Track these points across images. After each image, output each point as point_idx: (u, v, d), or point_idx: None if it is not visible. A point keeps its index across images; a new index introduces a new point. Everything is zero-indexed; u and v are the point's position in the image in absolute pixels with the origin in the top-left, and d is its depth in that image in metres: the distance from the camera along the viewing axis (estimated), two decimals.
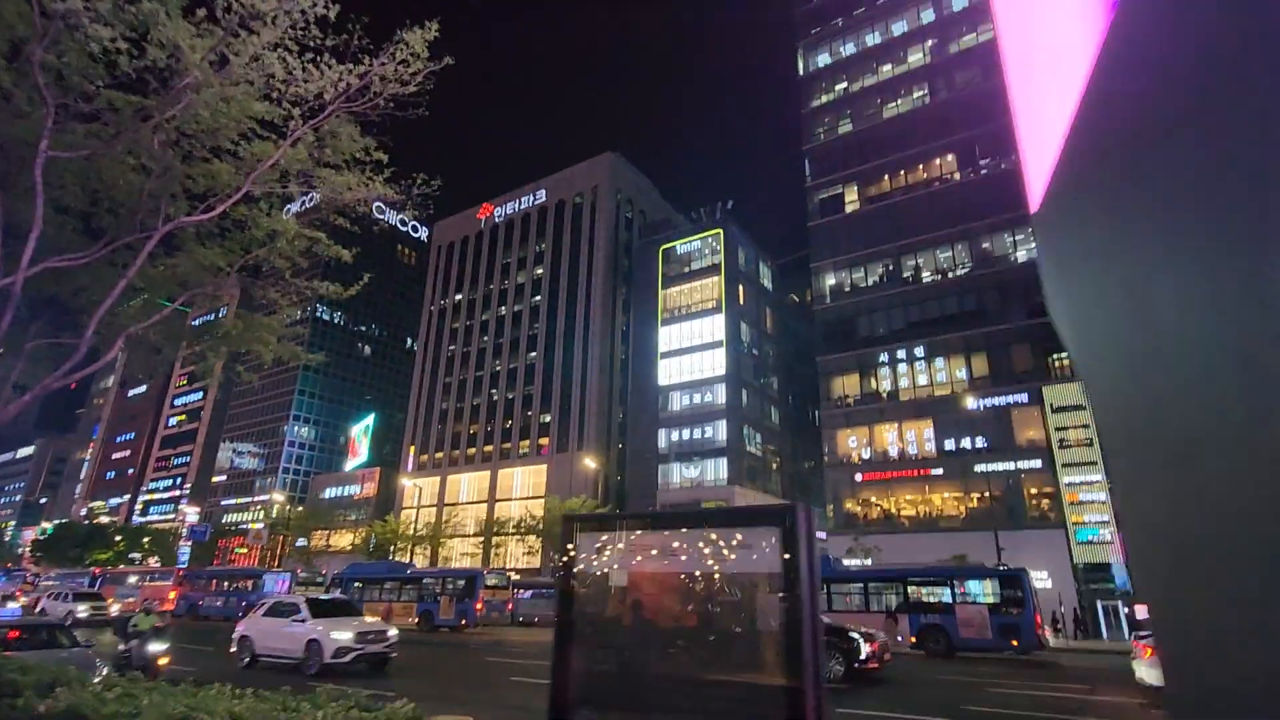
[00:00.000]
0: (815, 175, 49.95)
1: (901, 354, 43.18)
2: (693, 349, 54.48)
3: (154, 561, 69.62)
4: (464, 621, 29.85)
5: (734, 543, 2.31)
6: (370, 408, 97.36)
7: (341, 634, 14.87)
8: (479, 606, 30.09)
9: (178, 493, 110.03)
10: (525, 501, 59.86)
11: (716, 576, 2.37)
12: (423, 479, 68.16)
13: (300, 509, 76.27)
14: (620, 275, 66.43)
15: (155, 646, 12.07)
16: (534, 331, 67.64)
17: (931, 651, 21.87)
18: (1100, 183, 1.84)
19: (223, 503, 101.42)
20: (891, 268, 45.24)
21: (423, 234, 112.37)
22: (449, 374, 73.29)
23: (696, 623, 2.42)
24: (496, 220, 76.15)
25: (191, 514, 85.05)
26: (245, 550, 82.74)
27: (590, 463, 54.77)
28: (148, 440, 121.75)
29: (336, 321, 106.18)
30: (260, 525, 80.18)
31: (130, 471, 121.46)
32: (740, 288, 56.00)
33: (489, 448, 66.88)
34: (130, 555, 73.51)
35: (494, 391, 68.49)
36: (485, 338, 71.69)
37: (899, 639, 21.82)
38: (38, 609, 29.67)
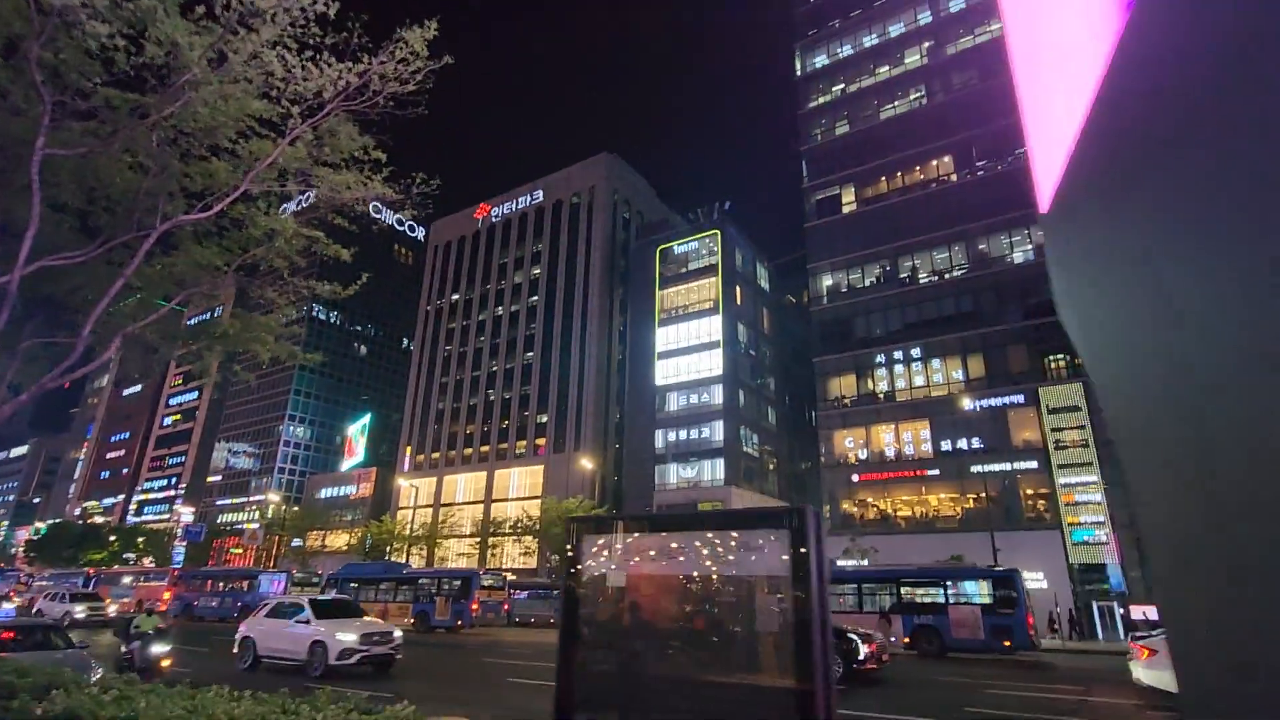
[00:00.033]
0: (812, 176, 50.01)
1: (898, 355, 43.25)
2: (689, 349, 54.49)
3: (148, 562, 69.33)
4: (460, 622, 29.78)
5: (742, 545, 2.30)
6: (366, 408, 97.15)
7: (346, 635, 14.70)
8: (475, 607, 30.01)
9: (172, 493, 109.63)
10: (522, 502, 59.81)
11: (725, 579, 2.36)
12: (419, 479, 68.02)
13: (296, 509, 76.07)
14: (617, 276, 66.42)
15: (158, 648, 11.94)
16: (531, 332, 67.59)
17: (924, 652, 21.91)
18: (1113, 183, 1.82)
19: (218, 503, 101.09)
20: (888, 269, 45.32)
21: (419, 234, 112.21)
22: (445, 374, 73.17)
23: (705, 625, 2.41)
24: (493, 220, 76.08)
25: (186, 514, 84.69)
26: (240, 551, 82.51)
27: (587, 463, 54.74)
28: (142, 440, 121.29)
29: (332, 321, 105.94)
30: (255, 525, 79.95)
31: (125, 471, 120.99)
32: (737, 288, 56.04)
33: (485, 448, 66.79)
34: (125, 555, 73.20)
35: (490, 392, 68.40)
36: (482, 338, 71.60)
37: (892, 639, 21.87)
38: (34, 610, 29.46)
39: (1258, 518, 1.12)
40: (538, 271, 69.70)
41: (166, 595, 36.99)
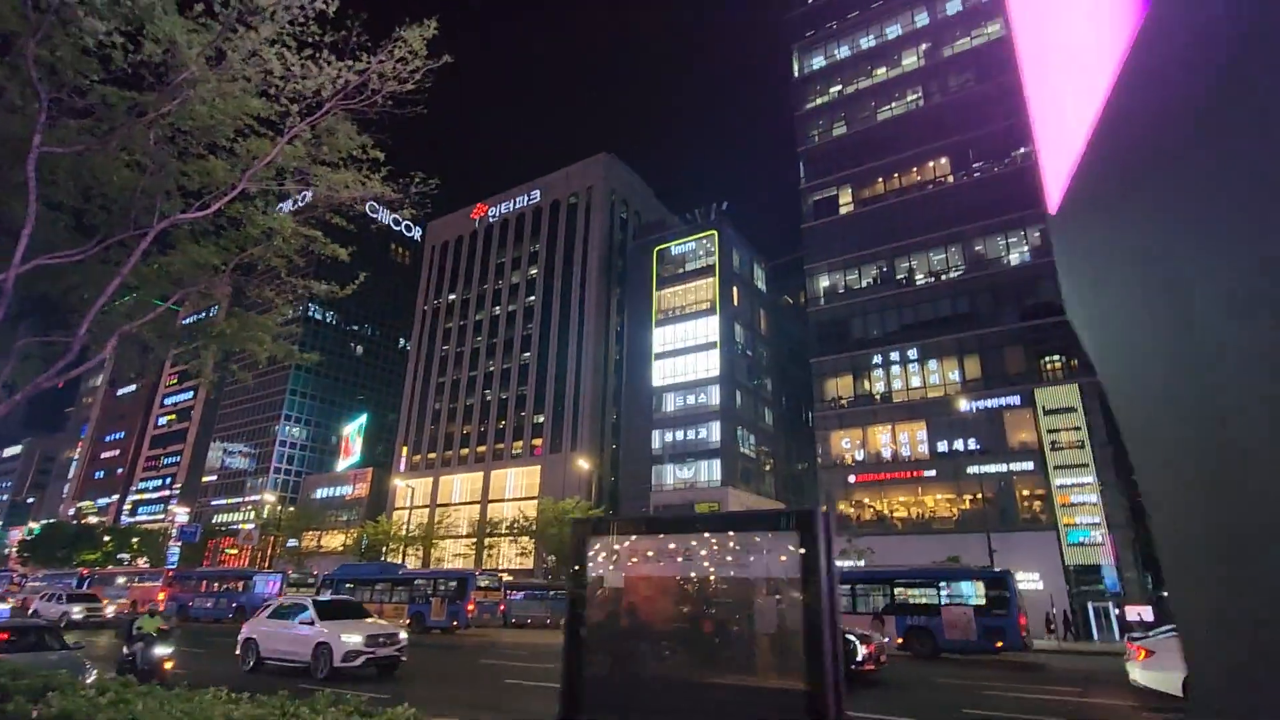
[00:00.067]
0: (810, 177, 50.09)
1: (895, 356, 43.33)
2: (686, 350, 54.49)
3: (143, 562, 69.05)
4: (455, 623, 29.72)
5: (751, 547, 2.28)
6: (363, 408, 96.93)
7: (351, 637, 14.48)
8: (471, 608, 29.95)
9: (167, 493, 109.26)
10: (518, 503, 59.72)
11: (733, 580, 2.34)
12: (415, 479, 67.88)
13: (291, 510, 75.83)
14: (614, 276, 66.40)
15: (161, 650, 11.72)
16: (528, 332, 67.51)
17: (917, 653, 21.96)
18: (1125, 184, 1.81)
19: (213, 503, 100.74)
20: (885, 270, 45.41)
21: (416, 233, 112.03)
22: (442, 374, 73.04)
23: (712, 627, 2.39)
24: (490, 220, 75.99)
25: (181, 514, 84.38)
26: (235, 551, 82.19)
27: (583, 464, 54.70)
28: (137, 440, 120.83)
29: (329, 321, 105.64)
30: (251, 526, 79.67)
31: (119, 471, 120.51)
32: (734, 289, 56.08)
33: (482, 448, 66.69)
34: (119, 556, 72.88)
35: (487, 392, 68.30)
36: (479, 338, 71.48)
37: (885, 640, 21.90)
38: (31, 611, 29.19)
39: (1267, 518, 1.11)
40: (535, 272, 69.64)
41: (161, 596, 36.80)
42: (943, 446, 40.40)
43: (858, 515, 42.38)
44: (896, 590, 23.65)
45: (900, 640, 22.44)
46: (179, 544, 71.92)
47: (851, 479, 42.94)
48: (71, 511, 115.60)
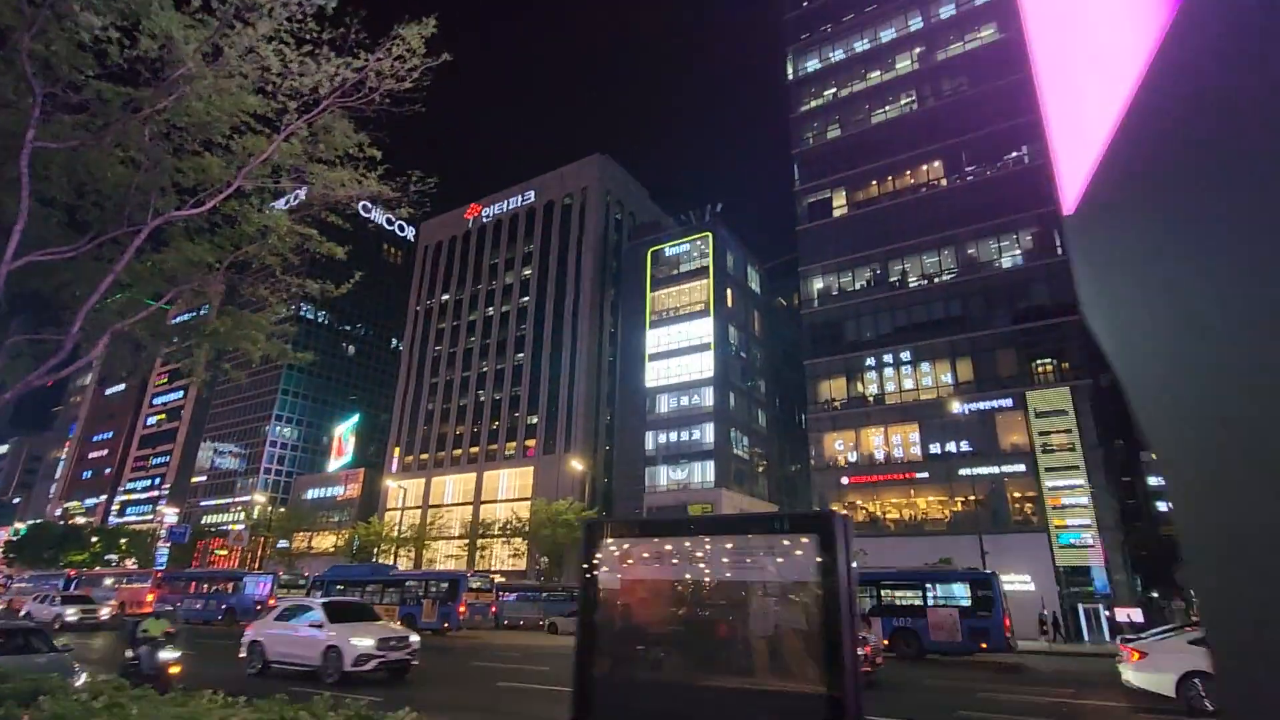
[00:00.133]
0: (804, 180, 50.22)
1: (888, 358, 43.48)
2: (680, 351, 54.51)
3: (131, 563, 68.42)
4: (446, 625, 29.57)
5: (765, 549, 2.26)
6: (355, 408, 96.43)
7: (362, 640, 14.11)
8: (462, 610, 29.82)
9: (156, 493, 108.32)
10: (511, 504, 59.55)
11: (747, 583, 2.31)
12: (407, 480, 67.58)
13: (282, 510, 75.33)
14: (608, 277, 66.36)
15: (167, 654, 11.27)
16: (521, 333, 67.36)
17: (903, 654, 22.03)
18: (1150, 185, 1.80)
19: (202, 504, 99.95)
20: (879, 272, 45.57)
21: (409, 233, 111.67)
22: (435, 375, 72.77)
23: (728, 630, 2.36)
24: (484, 220, 75.80)
25: (170, 515, 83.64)
26: (225, 552, 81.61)
27: (577, 465, 54.60)
28: (126, 439, 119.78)
29: (321, 321, 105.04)
30: (241, 527, 79.11)
31: (107, 471, 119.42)
32: (728, 291, 56.15)
33: (475, 449, 66.47)
34: (106, 557, 72.21)
35: (480, 393, 68.10)
36: (472, 338, 71.27)
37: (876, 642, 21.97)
38: (23, 612, 28.73)
39: None
40: (528, 272, 69.50)
41: (150, 597, 36.47)
42: (935, 448, 40.56)
43: (850, 517, 42.48)
44: (883, 592, 23.74)
45: (886, 642, 22.52)
46: (168, 545, 71.25)
47: (844, 481, 43.04)
48: (58, 512, 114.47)
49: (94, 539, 76.77)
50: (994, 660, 21.61)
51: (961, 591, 22.54)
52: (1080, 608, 34.49)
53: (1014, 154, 41.97)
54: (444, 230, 78.65)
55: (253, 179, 10.03)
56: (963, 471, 39.17)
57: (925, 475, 40.60)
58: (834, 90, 51.13)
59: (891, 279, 44.88)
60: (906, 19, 48.85)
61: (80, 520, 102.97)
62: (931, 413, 40.69)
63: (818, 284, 47.83)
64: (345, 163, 10.43)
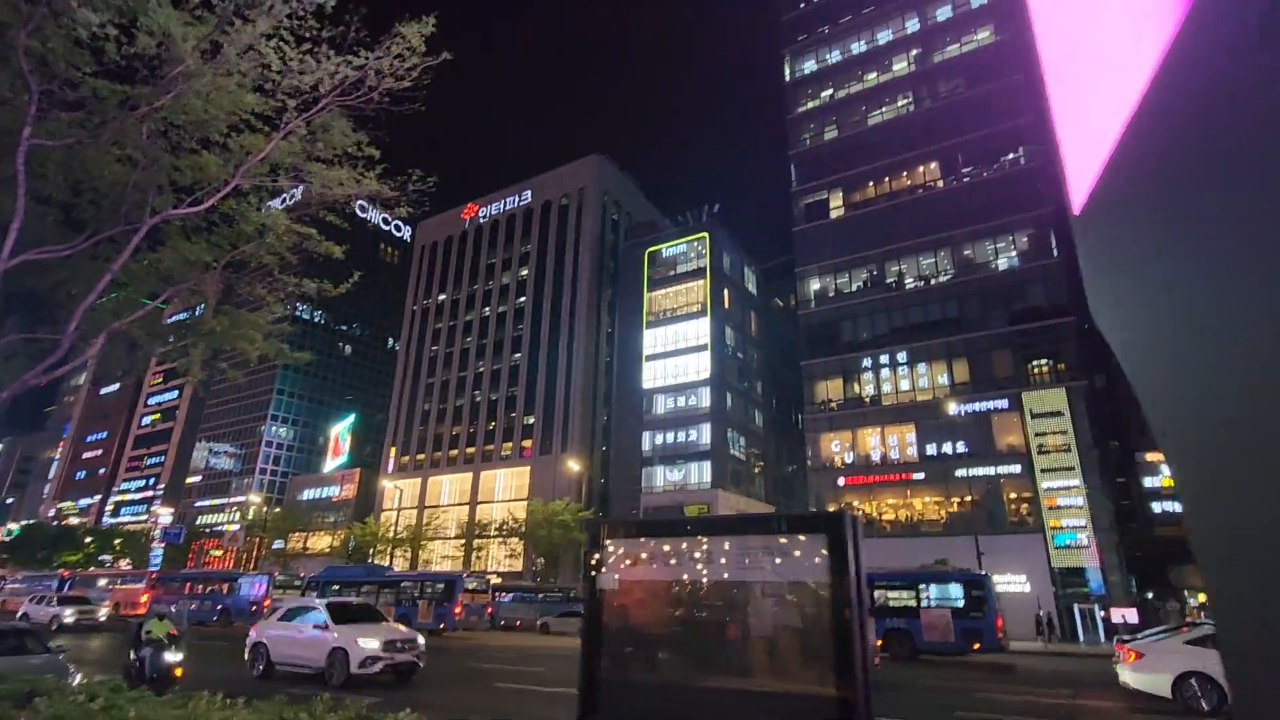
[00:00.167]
0: (801, 181, 50.27)
1: (884, 359, 43.55)
2: (677, 352, 54.51)
3: (125, 564, 68.10)
4: (442, 625, 29.49)
5: (775, 550, 2.24)
6: (351, 408, 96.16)
7: (369, 642, 13.85)
8: (458, 610, 29.73)
9: (151, 493, 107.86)
10: (507, 504, 59.47)
11: (756, 584, 2.30)
12: (403, 481, 67.42)
13: (278, 511, 75.08)
14: (605, 277, 66.33)
15: (171, 656, 11.06)
16: (518, 333, 67.27)
17: (895, 655, 22.07)
18: (1162, 184, 1.79)
19: (197, 504, 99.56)
20: (875, 273, 45.64)
21: (405, 233, 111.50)
22: (431, 375, 72.62)
23: (735, 631, 2.35)
24: (481, 220, 75.70)
25: (165, 515, 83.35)
26: (220, 553, 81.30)
27: (574, 465, 54.55)
28: (120, 439, 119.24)
29: (317, 320, 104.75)
30: (236, 527, 78.85)
31: (101, 471, 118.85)
32: (725, 291, 56.17)
33: (471, 449, 66.35)
34: (100, 557, 71.83)
35: (477, 393, 67.98)
36: (468, 338, 71.15)
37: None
38: (20, 613, 28.50)
39: None
40: (525, 273, 69.43)
41: (144, 598, 36.28)
42: (931, 449, 40.63)
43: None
44: (876, 593, 23.78)
45: (880, 642, 22.57)
46: (162, 545, 71.08)
47: (841, 481, 43.08)
48: (52, 512, 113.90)
49: (88, 539, 76.36)
50: (988, 661, 21.66)
51: (954, 592, 22.61)
52: (1076, 608, 34.58)
53: (1010, 156, 42.10)
54: (441, 230, 78.52)
55: (251, 177, 9.99)
56: (959, 472, 39.26)
57: (921, 476, 40.66)
58: (831, 92, 51.21)
59: (888, 280, 44.95)
60: (903, 21, 48.96)
61: (74, 521, 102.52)
62: (928, 414, 40.76)
63: (814, 285, 47.87)
64: (344, 162, 10.39)
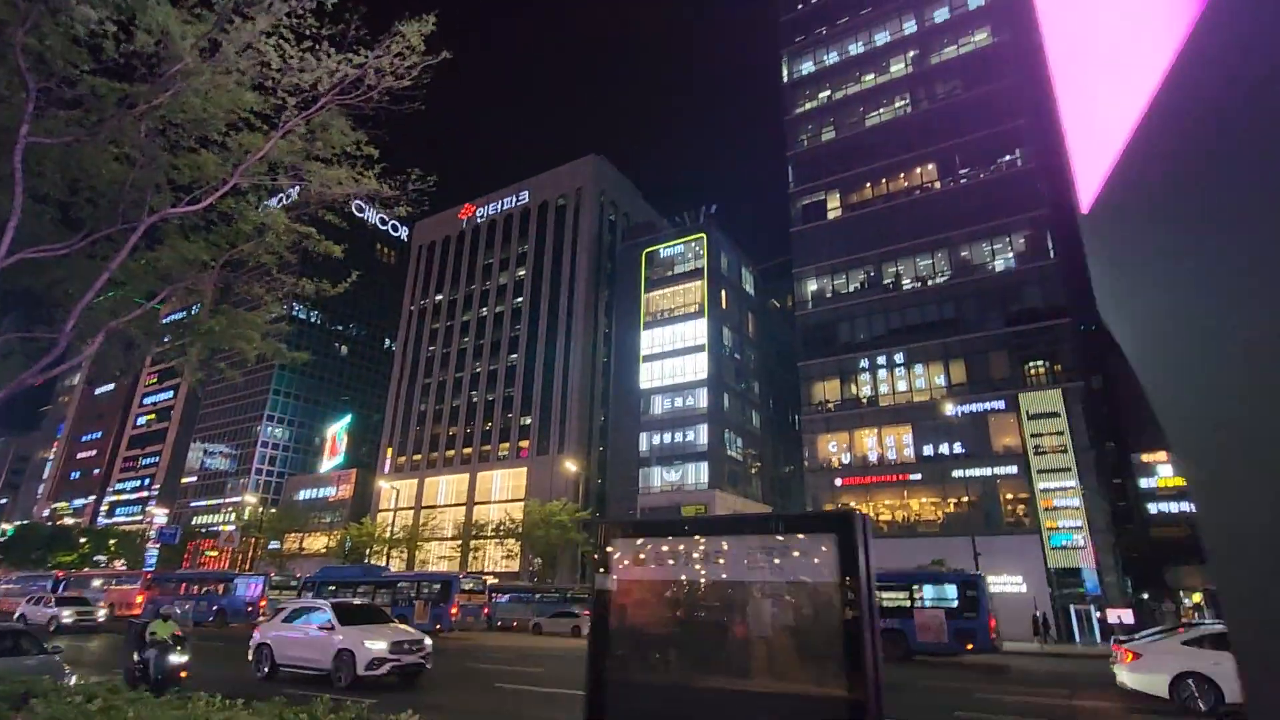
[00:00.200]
0: (798, 182, 50.33)
1: (882, 360, 43.61)
2: (674, 353, 54.52)
3: (120, 564, 67.84)
4: (439, 626, 29.42)
5: (784, 549, 2.23)
6: (347, 408, 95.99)
7: (376, 643, 13.73)
8: (454, 611, 29.68)
9: (146, 494, 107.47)
10: (504, 505, 59.40)
11: (765, 584, 2.29)
12: (400, 481, 67.29)
13: (273, 511, 74.88)
14: (603, 278, 66.32)
15: (176, 658, 10.90)
16: (515, 333, 67.22)
17: (889, 655, 22.05)
18: (1173, 183, 1.79)
19: (192, 504, 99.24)
20: (873, 274, 45.71)
21: (402, 233, 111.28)
22: (428, 375, 72.52)
23: (745, 632, 2.34)
24: (478, 220, 75.63)
25: (160, 515, 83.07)
26: (216, 553, 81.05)
27: (571, 466, 54.51)
28: (115, 439, 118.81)
29: (313, 320, 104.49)
30: (231, 528, 78.59)
31: (96, 472, 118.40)
32: (723, 292, 56.21)
33: (468, 450, 66.25)
34: (95, 558, 71.54)
35: (474, 393, 67.89)
36: (465, 339, 71.06)
37: None
38: (17, 614, 28.33)
39: None
40: (522, 273, 69.38)
41: (139, 599, 36.14)
42: (928, 450, 40.70)
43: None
44: None
45: None
46: (158, 546, 70.79)
47: (838, 482, 43.12)
48: (46, 512, 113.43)
49: (83, 540, 76.04)
50: (983, 661, 21.69)
51: (948, 593, 22.65)
52: (1072, 609, 34.67)
53: (1007, 157, 42.22)
54: (438, 230, 78.42)
55: (249, 176, 9.95)
56: (956, 473, 39.34)
57: (918, 477, 40.73)
58: (828, 93, 51.29)
59: (885, 281, 45.03)
60: (901, 22, 49.05)
61: (68, 521, 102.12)
62: (925, 414, 40.83)
63: (812, 286, 47.93)
64: (342, 161, 10.36)
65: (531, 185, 72.55)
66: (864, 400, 43.74)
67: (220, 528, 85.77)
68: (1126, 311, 2.24)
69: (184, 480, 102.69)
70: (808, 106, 51.88)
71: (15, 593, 37.55)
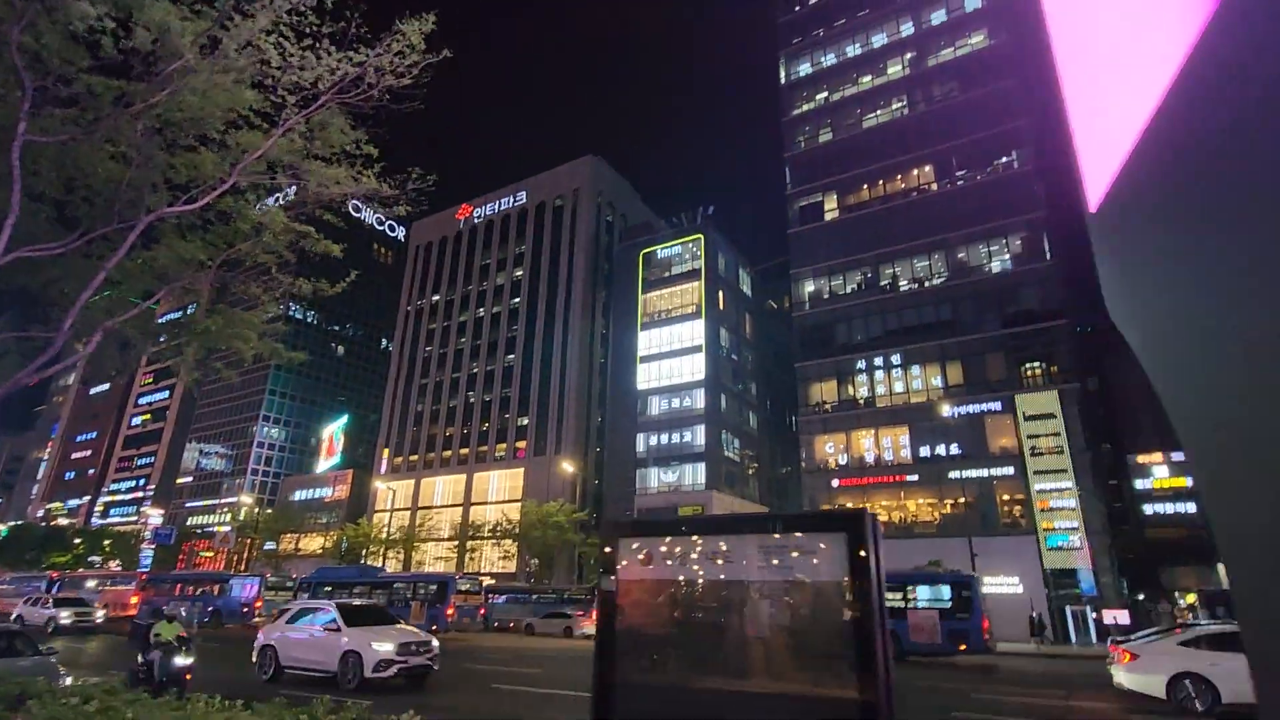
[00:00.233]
0: (796, 183, 50.38)
1: (879, 361, 43.67)
2: (672, 353, 54.53)
3: (115, 565, 67.53)
4: (435, 627, 29.37)
5: (796, 549, 2.22)
6: (343, 409, 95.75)
7: (383, 645, 13.59)
8: (450, 612, 29.63)
9: (141, 494, 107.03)
10: (501, 505, 59.31)
11: (774, 584, 2.27)
12: (396, 482, 67.15)
13: (269, 512, 74.64)
14: (600, 278, 66.31)
15: (182, 660, 10.71)
16: (512, 334, 67.16)
17: None
18: (1183, 183, 1.78)
19: (188, 505, 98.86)
20: (870, 276, 45.78)
21: (399, 233, 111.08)
22: (425, 375, 72.40)
23: (753, 632, 2.32)
24: (475, 221, 75.56)
25: (155, 516, 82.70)
26: (211, 554, 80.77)
27: (568, 466, 54.46)
28: (110, 440, 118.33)
29: (310, 320, 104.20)
30: (227, 528, 78.29)
31: (91, 472, 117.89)
32: (720, 293, 56.24)
33: (465, 450, 66.15)
34: (90, 559, 71.21)
35: (470, 394, 67.80)
36: (462, 339, 70.97)
37: None
38: (14, 615, 28.17)
39: None
40: (520, 273, 69.32)
41: (134, 600, 35.98)
42: (925, 451, 40.76)
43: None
44: None
45: None
46: (153, 547, 70.44)
47: (835, 483, 43.16)
48: (40, 513, 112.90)
49: (77, 540, 75.68)
50: (979, 662, 21.72)
51: (941, 593, 22.68)
52: (1068, 610, 34.73)
53: (1004, 159, 42.34)
54: (435, 230, 78.31)
55: (248, 175, 9.91)
56: (952, 474, 39.40)
57: (915, 478, 40.78)
58: (826, 94, 51.37)
59: (882, 283, 45.10)
60: (898, 24, 49.15)
61: (63, 521, 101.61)
62: (921, 415, 40.89)
63: (809, 287, 47.98)
64: (342, 160, 10.32)
65: (529, 186, 72.51)
66: (861, 401, 43.79)
67: (216, 528, 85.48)
68: (1135, 309, 2.24)
69: (179, 481, 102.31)
70: (805, 108, 51.95)
71: (9, 593, 37.38)
